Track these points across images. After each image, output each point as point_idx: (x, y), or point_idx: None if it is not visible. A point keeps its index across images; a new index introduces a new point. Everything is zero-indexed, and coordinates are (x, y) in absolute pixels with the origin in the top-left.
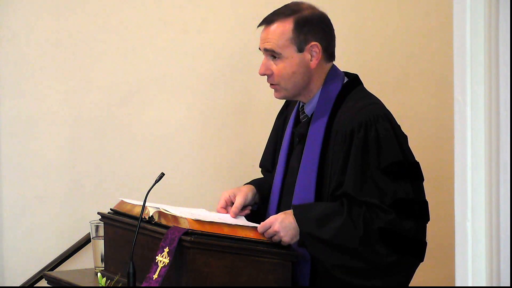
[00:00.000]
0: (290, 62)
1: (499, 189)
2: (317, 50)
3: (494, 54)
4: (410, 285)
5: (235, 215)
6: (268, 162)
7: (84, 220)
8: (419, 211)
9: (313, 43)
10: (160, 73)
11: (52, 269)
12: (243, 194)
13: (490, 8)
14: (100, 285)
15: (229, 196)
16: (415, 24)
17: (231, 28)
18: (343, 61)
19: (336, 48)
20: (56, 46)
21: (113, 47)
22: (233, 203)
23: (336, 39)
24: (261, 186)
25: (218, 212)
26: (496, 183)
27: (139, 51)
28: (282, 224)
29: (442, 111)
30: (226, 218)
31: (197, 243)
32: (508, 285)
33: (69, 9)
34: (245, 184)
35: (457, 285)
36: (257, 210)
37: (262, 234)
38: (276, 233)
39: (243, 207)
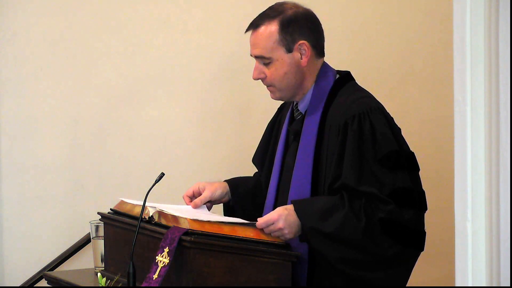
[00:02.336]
0: (281, 64)
1: (499, 189)
2: (306, 48)
3: (494, 54)
4: (410, 285)
5: (196, 207)
6: (257, 160)
7: (84, 220)
8: (417, 201)
9: (301, 41)
10: (160, 73)
11: (52, 269)
12: (212, 190)
13: (490, 8)
14: (100, 285)
15: (199, 188)
16: (415, 24)
17: (230, 28)
18: (343, 61)
19: (335, 47)
20: (56, 46)
21: (113, 47)
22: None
23: (335, 39)
24: (236, 186)
25: (184, 199)
26: (496, 183)
27: (139, 51)
28: (286, 221)
29: (442, 111)
30: (222, 218)
31: (197, 243)
32: (508, 285)
33: (69, 9)
34: (225, 180)
35: (457, 285)
36: (232, 206)
37: (262, 229)
38: (280, 230)
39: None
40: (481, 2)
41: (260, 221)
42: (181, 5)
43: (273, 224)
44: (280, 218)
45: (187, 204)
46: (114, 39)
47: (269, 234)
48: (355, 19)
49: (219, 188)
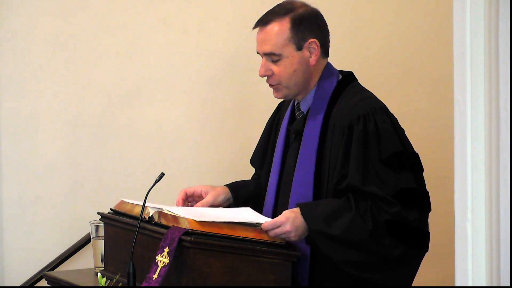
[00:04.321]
0: (291, 61)
1: (499, 189)
2: (316, 47)
3: (494, 54)
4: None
5: None
6: (256, 161)
7: (84, 220)
8: (421, 201)
9: (311, 39)
10: (160, 73)
11: (52, 269)
12: (214, 195)
13: (490, 8)
14: (100, 285)
15: (201, 191)
16: (415, 24)
17: (230, 28)
18: (342, 60)
19: (335, 47)
20: (56, 46)
21: (113, 47)
22: (201, 199)
23: (335, 38)
24: (237, 191)
25: (178, 194)
26: (496, 183)
27: (139, 51)
28: (294, 224)
29: (442, 111)
30: (226, 215)
31: (197, 243)
32: (508, 285)
33: (69, 9)
34: (225, 185)
35: (457, 285)
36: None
37: (266, 231)
38: (287, 233)
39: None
40: (481, 2)
41: (269, 223)
42: (181, 5)
43: (279, 227)
44: (287, 221)
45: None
46: (114, 39)
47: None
48: (355, 19)
49: (222, 194)
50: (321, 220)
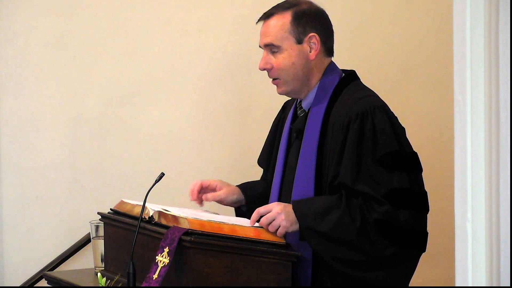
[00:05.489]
0: (289, 54)
1: (499, 189)
2: (316, 41)
3: (494, 54)
4: (410, 285)
5: (206, 199)
6: (262, 161)
7: (84, 220)
8: (416, 202)
9: (311, 34)
10: (160, 73)
11: (52, 269)
12: (228, 192)
13: (490, 8)
14: (100, 285)
15: (216, 185)
16: (415, 23)
17: (231, 28)
18: (343, 59)
19: (335, 46)
20: (56, 46)
21: (113, 47)
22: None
23: (335, 37)
24: (246, 191)
25: (192, 186)
26: (496, 183)
27: (139, 51)
28: (285, 208)
29: (442, 111)
30: (224, 218)
31: (197, 243)
32: (508, 285)
33: (70, 9)
34: (237, 185)
35: (457, 285)
36: (245, 212)
37: (261, 227)
38: (278, 215)
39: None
40: (481, 2)
41: (260, 207)
42: (181, 5)
43: (271, 210)
44: (278, 205)
45: (193, 188)
46: (114, 39)
47: (269, 234)
48: (355, 19)
49: (235, 193)
50: (311, 217)
